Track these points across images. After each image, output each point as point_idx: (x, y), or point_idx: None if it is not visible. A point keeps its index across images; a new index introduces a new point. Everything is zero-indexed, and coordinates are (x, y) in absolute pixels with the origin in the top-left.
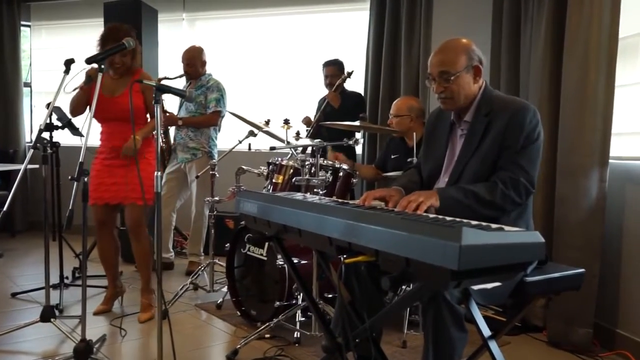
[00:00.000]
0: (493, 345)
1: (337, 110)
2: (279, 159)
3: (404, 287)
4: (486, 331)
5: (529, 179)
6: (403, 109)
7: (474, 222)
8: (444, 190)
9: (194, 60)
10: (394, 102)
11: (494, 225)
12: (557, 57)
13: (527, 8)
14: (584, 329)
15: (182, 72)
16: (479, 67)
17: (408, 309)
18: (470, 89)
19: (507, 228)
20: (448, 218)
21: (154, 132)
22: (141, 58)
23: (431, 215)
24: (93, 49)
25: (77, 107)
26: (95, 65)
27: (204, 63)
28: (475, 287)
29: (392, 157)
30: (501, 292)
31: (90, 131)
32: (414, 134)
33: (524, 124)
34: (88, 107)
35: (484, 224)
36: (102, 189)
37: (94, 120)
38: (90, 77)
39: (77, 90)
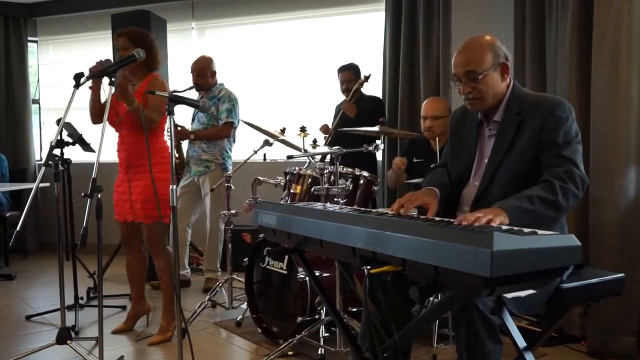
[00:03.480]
0: (529, 357)
1: (354, 119)
2: (297, 168)
3: (431, 298)
4: (521, 342)
5: (581, 171)
6: (443, 109)
7: (504, 227)
8: (505, 203)
9: (203, 71)
10: (427, 104)
11: (526, 230)
12: (585, 52)
13: (552, 0)
14: (627, 338)
15: (191, 84)
16: (506, 64)
17: (437, 322)
18: (498, 88)
19: (540, 232)
20: (476, 223)
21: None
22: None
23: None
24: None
25: (92, 112)
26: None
27: (214, 73)
28: (509, 296)
29: (415, 160)
30: (536, 300)
31: (103, 147)
32: (437, 139)
33: (561, 121)
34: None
35: (515, 228)
36: (119, 204)
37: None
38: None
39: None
